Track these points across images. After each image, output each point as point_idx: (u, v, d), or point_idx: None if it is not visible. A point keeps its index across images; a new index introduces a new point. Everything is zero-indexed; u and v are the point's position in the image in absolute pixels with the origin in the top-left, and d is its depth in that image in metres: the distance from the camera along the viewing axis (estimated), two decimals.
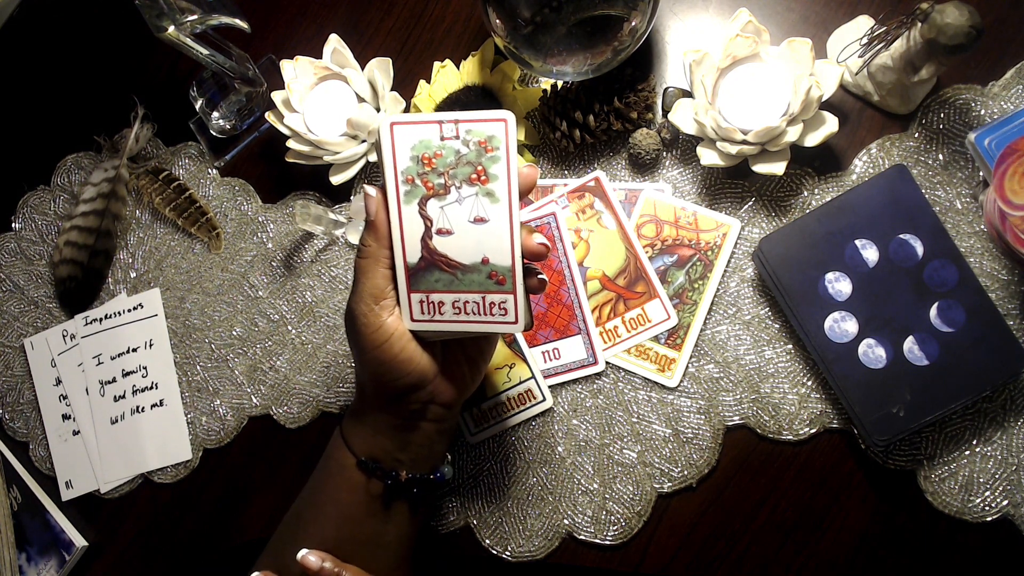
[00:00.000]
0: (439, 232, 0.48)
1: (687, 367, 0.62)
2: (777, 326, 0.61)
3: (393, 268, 0.49)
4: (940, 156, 0.60)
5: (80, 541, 0.71)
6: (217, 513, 0.70)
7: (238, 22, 0.66)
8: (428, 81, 0.70)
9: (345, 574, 0.52)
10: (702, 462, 0.60)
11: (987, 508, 0.56)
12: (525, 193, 0.47)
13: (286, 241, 0.72)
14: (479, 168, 0.46)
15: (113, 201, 0.76)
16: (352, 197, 0.71)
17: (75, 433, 0.74)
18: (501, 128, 0.46)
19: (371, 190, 0.48)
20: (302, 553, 0.52)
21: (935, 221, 0.56)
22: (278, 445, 0.70)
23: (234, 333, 0.72)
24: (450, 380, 0.52)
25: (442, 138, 0.46)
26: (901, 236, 0.56)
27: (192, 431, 0.72)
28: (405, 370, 0.49)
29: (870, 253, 0.56)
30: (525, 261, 0.48)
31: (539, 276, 0.49)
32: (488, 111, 0.46)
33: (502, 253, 0.47)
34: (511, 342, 0.65)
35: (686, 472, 0.61)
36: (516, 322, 0.48)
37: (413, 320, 0.49)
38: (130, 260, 0.77)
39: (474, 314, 0.49)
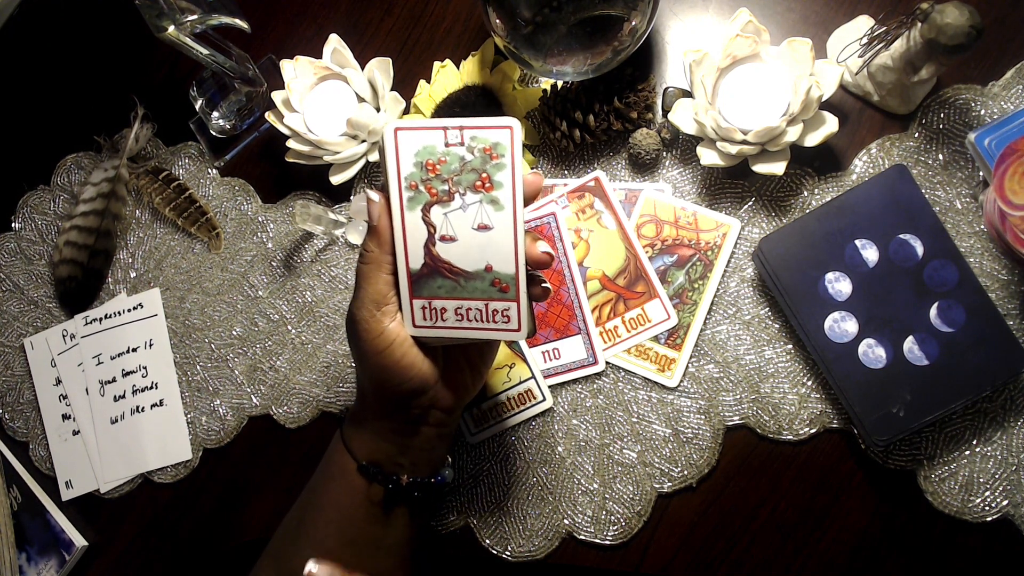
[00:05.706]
0: (442, 238, 0.47)
1: (687, 367, 0.62)
2: (777, 326, 0.61)
3: (395, 274, 0.49)
4: (940, 156, 0.60)
5: (80, 541, 0.71)
6: (217, 513, 0.70)
7: (238, 22, 0.66)
8: (428, 81, 0.70)
9: None
10: (702, 462, 0.60)
11: (987, 508, 0.56)
12: (530, 200, 0.47)
13: (286, 241, 0.72)
14: (484, 175, 0.46)
15: (113, 201, 0.76)
16: (352, 197, 0.71)
17: (75, 433, 0.74)
18: (507, 135, 0.45)
19: (374, 195, 0.48)
20: (309, 567, 0.51)
21: (935, 221, 0.56)
22: (278, 445, 0.70)
23: (234, 333, 0.72)
24: (451, 385, 0.52)
25: (447, 144, 0.46)
26: (901, 236, 0.56)
27: (192, 431, 0.72)
28: (406, 376, 0.49)
29: (870, 253, 0.56)
30: (529, 269, 0.47)
31: (543, 284, 0.49)
32: (494, 118, 0.45)
33: (506, 261, 0.47)
34: (511, 342, 0.65)
35: (686, 472, 0.61)
36: (519, 330, 0.48)
37: (415, 326, 0.49)
38: (130, 260, 0.77)
39: (477, 321, 0.48)
